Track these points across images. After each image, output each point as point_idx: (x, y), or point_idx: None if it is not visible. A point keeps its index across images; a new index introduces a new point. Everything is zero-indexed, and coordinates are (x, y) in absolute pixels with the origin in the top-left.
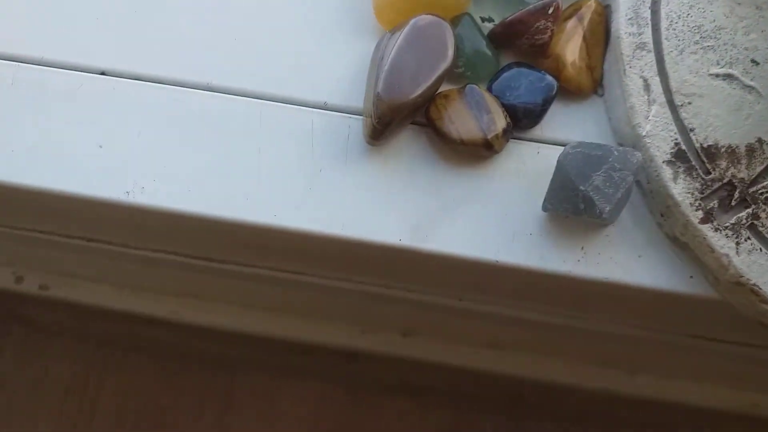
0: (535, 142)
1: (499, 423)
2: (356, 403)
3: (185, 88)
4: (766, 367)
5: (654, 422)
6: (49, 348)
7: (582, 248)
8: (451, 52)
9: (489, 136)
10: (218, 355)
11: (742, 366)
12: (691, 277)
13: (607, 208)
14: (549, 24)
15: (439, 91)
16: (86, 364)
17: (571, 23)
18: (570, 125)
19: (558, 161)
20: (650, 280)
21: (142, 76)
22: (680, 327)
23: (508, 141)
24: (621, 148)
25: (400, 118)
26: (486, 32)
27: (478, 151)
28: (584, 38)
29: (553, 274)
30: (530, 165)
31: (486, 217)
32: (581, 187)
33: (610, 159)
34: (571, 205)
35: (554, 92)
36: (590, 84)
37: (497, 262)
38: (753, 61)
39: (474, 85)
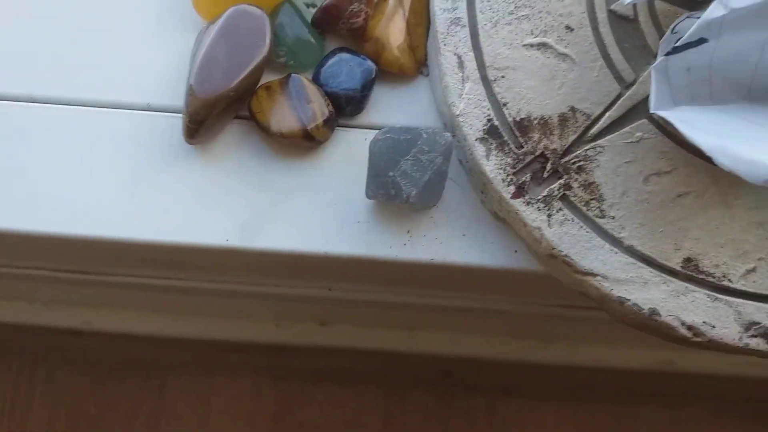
0: (362, 128)
1: (430, 401)
2: (289, 394)
3: (9, 102)
4: None
5: (578, 386)
6: None
7: (408, 232)
8: (267, 42)
9: (309, 127)
10: (147, 361)
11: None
12: (516, 251)
13: (414, 192)
14: (362, 7)
15: (262, 82)
16: (13, 382)
17: (391, 3)
18: (397, 108)
19: (369, 148)
20: (474, 258)
21: None
22: (537, 298)
23: (333, 130)
24: (430, 129)
25: (216, 113)
26: (310, 18)
27: (301, 143)
28: (405, 18)
29: (381, 260)
30: (358, 152)
31: (315, 208)
32: (390, 173)
33: (419, 142)
34: (385, 191)
35: (373, 76)
36: (413, 65)
37: (326, 253)
38: (567, 27)
39: (296, 75)
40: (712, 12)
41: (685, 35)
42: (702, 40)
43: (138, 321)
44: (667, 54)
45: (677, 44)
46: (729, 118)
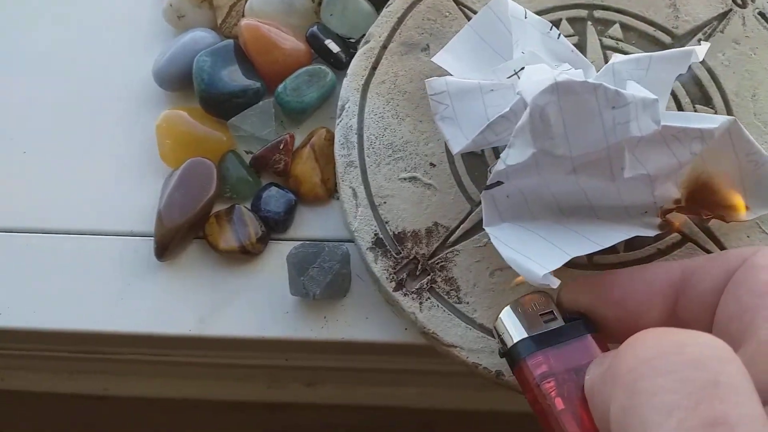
0: (291, 240)
1: None
2: None
3: (28, 234)
4: None
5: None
6: None
7: (324, 318)
8: (214, 185)
9: (245, 244)
10: (157, 421)
11: None
12: (406, 329)
13: (318, 291)
14: (282, 156)
15: (215, 211)
16: None
17: (306, 149)
18: (316, 225)
19: (286, 259)
20: (375, 335)
21: None
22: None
23: (266, 244)
24: (332, 244)
25: (178, 238)
26: (249, 161)
27: (241, 256)
28: (316, 160)
29: (305, 340)
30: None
31: (253, 303)
32: (301, 278)
33: (322, 254)
34: (299, 290)
35: (294, 204)
36: (326, 193)
37: (263, 337)
38: (431, 164)
39: (238, 205)
40: (498, 166)
41: (489, 178)
42: (499, 182)
43: (149, 387)
44: (485, 189)
45: (487, 184)
46: (527, 234)
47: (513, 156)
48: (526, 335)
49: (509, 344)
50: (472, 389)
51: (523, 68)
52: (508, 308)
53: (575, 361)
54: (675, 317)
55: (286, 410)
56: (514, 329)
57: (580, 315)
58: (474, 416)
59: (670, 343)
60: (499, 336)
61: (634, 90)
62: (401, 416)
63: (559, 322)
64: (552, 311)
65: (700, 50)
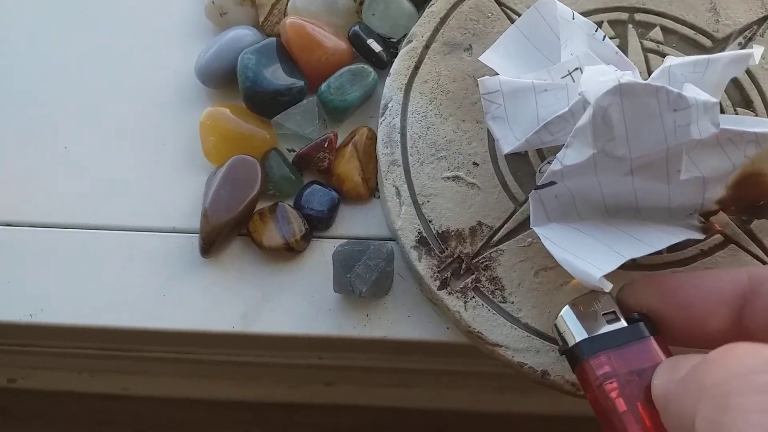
0: (333, 238)
1: None
2: None
3: (69, 230)
4: None
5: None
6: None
7: (367, 315)
8: (258, 182)
9: (290, 241)
10: (175, 420)
11: None
12: (448, 327)
13: (365, 289)
14: (326, 154)
15: (258, 208)
16: None
17: (348, 148)
18: (358, 223)
19: (332, 257)
20: (417, 334)
21: (39, 223)
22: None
23: (309, 241)
24: (376, 242)
25: (223, 235)
26: (291, 159)
27: (285, 253)
28: (358, 159)
29: (347, 338)
30: (328, 258)
31: (297, 301)
32: (348, 275)
33: (368, 252)
34: (345, 287)
35: (337, 202)
36: (367, 192)
37: (307, 334)
38: (474, 163)
39: (282, 203)
40: (554, 166)
41: (542, 178)
42: (552, 182)
43: (169, 386)
44: (535, 189)
45: (538, 184)
46: (578, 235)
47: (571, 156)
48: (587, 335)
49: (571, 343)
50: (487, 391)
51: (576, 69)
52: (568, 307)
53: (638, 363)
54: (740, 325)
55: (305, 411)
56: (575, 328)
57: (640, 315)
58: (489, 418)
59: (763, 361)
60: (559, 334)
61: (694, 93)
62: (416, 417)
63: (622, 324)
64: (614, 311)
65: (757, 53)
